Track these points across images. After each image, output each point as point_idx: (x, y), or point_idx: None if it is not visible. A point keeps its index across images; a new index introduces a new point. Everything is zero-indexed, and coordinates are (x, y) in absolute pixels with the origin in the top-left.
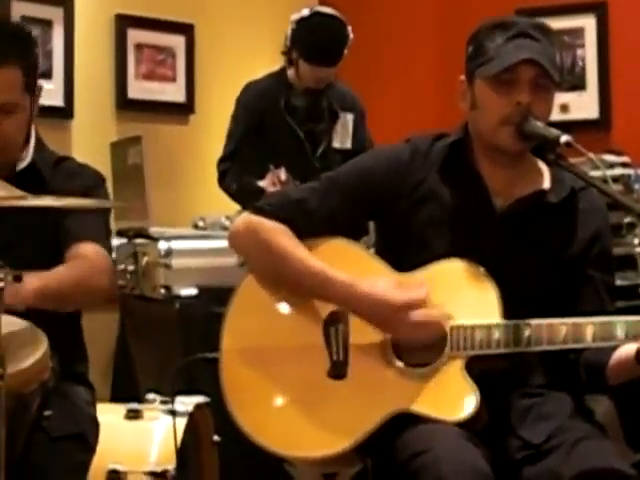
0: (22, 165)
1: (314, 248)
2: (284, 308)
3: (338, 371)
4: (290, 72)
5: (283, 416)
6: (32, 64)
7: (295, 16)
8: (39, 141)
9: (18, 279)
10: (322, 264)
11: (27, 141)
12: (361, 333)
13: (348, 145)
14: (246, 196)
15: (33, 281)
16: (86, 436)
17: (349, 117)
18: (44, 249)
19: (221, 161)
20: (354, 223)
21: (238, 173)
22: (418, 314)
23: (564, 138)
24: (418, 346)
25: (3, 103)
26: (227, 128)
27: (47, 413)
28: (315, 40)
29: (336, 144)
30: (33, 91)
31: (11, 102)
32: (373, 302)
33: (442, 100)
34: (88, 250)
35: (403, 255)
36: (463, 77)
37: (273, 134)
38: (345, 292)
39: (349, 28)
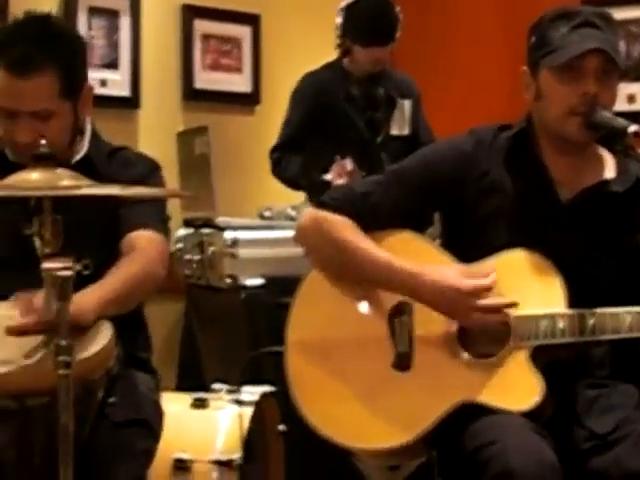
0: (77, 157)
1: (380, 241)
2: (350, 300)
3: (403, 362)
4: (346, 61)
5: (348, 408)
6: (72, 68)
7: (342, 4)
8: (94, 133)
9: (87, 268)
10: (388, 255)
11: (81, 135)
12: (426, 324)
13: (406, 132)
14: (314, 191)
15: (95, 294)
16: (150, 422)
17: (406, 103)
18: (103, 239)
19: (274, 150)
20: (418, 216)
21: (304, 167)
22: (486, 301)
23: (633, 128)
24: (483, 337)
25: (38, 110)
26: (284, 118)
27: (111, 400)
28: (365, 21)
29: (394, 131)
30: (75, 95)
31: (46, 109)
32: (440, 289)
33: (508, 90)
34: (142, 240)
35: (468, 246)
36: (525, 68)
37: (334, 125)
38: (412, 281)
39: (398, 8)
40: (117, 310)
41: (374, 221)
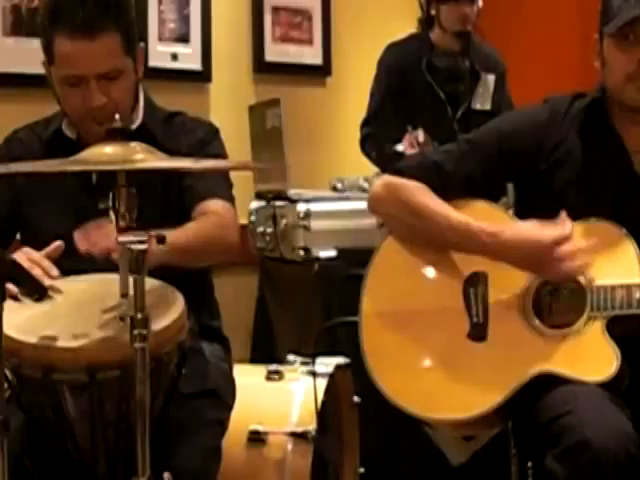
0: (133, 127)
1: (456, 209)
2: (424, 270)
3: (478, 333)
4: (433, 34)
5: (423, 378)
6: (129, 26)
7: None
8: (148, 100)
9: (162, 241)
10: (466, 217)
11: (136, 102)
12: (501, 294)
13: (488, 106)
14: (386, 162)
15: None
16: (220, 392)
17: (490, 78)
18: (170, 209)
19: (363, 125)
20: (492, 185)
21: (377, 137)
22: (567, 248)
23: None
24: (558, 307)
25: (108, 71)
26: (369, 90)
27: (183, 372)
28: None
29: (476, 105)
30: (134, 52)
31: (115, 68)
32: (521, 245)
33: (583, 59)
34: (214, 207)
35: (542, 215)
36: (597, 35)
37: (414, 95)
38: (492, 241)
39: None
40: (186, 261)
41: (447, 190)
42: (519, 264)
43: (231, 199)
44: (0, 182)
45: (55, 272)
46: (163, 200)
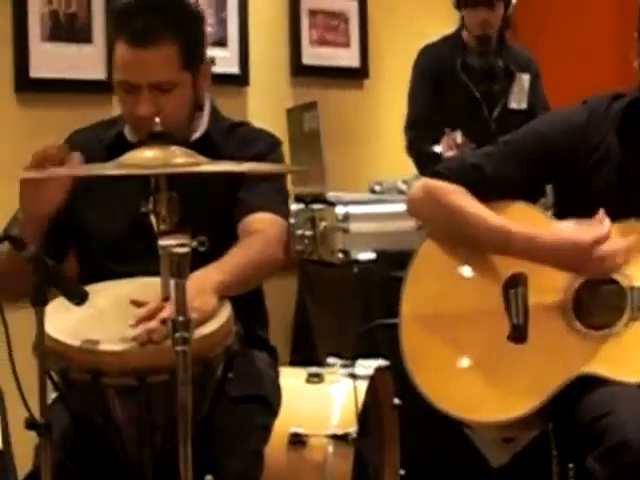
0: (196, 135)
1: (494, 211)
2: (463, 272)
3: (518, 334)
4: (465, 33)
5: (463, 380)
6: (192, 39)
7: None
8: (214, 110)
9: (202, 245)
10: (503, 219)
11: (200, 111)
12: (541, 296)
13: (524, 105)
14: (424, 163)
15: (213, 277)
16: (269, 399)
17: (525, 77)
18: (219, 218)
19: (407, 129)
20: (531, 187)
21: (419, 140)
22: (606, 248)
23: None
24: (598, 308)
25: (159, 82)
26: (408, 94)
27: (229, 376)
28: None
29: (513, 105)
30: (196, 66)
31: (168, 80)
32: (559, 246)
33: (620, 59)
34: (261, 222)
35: (582, 216)
36: (636, 33)
37: (449, 96)
38: (530, 244)
39: None
40: (235, 292)
41: (486, 193)
42: (558, 265)
43: (282, 211)
44: None
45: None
46: (214, 206)
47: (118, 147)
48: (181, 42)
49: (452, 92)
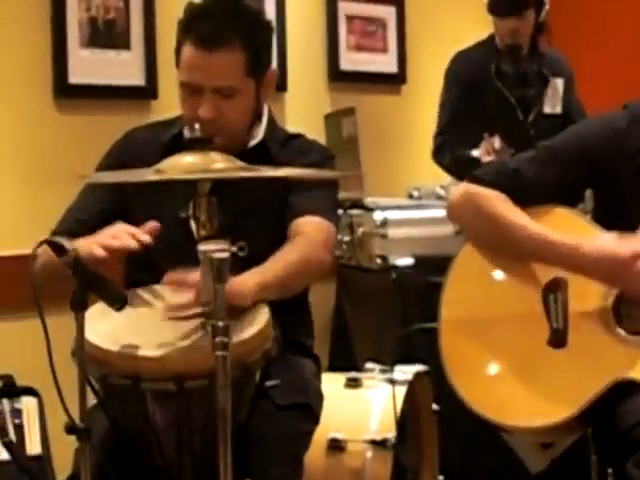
0: (253, 143)
1: (533, 216)
2: (502, 277)
3: (558, 339)
4: (497, 38)
5: (502, 385)
6: (259, 47)
7: None
8: (271, 120)
9: (241, 249)
10: (544, 228)
11: (259, 120)
12: (581, 300)
13: (558, 110)
14: (461, 167)
15: (254, 277)
16: (312, 406)
17: (559, 82)
18: (269, 225)
19: (435, 135)
20: (570, 192)
21: (452, 144)
22: None
23: None
24: (638, 312)
25: (222, 87)
26: (440, 100)
27: (273, 383)
28: None
29: (547, 109)
30: (260, 75)
31: (231, 86)
32: (599, 258)
33: None
34: (309, 225)
35: (622, 222)
36: None
37: (485, 102)
38: (571, 254)
39: None
40: (277, 294)
41: (526, 197)
42: (598, 278)
43: (331, 216)
44: (110, 188)
45: (145, 238)
46: (264, 215)
47: (175, 147)
48: (248, 50)
49: (487, 98)
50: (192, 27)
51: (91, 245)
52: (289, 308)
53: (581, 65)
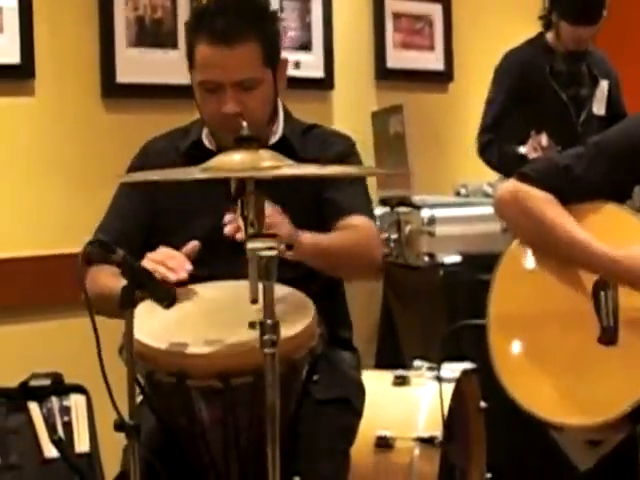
0: (274, 139)
1: (582, 213)
2: (551, 274)
3: (609, 337)
4: (549, 36)
5: (552, 382)
6: (272, 37)
7: None
8: (287, 113)
9: (290, 247)
10: (587, 235)
11: (276, 115)
12: (631, 298)
13: (602, 112)
14: (508, 163)
15: (308, 236)
16: (352, 400)
17: (604, 84)
18: (304, 221)
19: (482, 132)
20: (619, 188)
21: (499, 141)
22: None
23: None
24: None
25: (243, 80)
26: (487, 97)
27: (314, 378)
28: None
29: (595, 110)
30: (275, 64)
31: (251, 78)
32: (636, 272)
33: None
34: (360, 222)
35: None
36: None
37: (536, 100)
38: (611, 267)
39: None
40: (326, 265)
41: (575, 194)
42: (635, 287)
43: (372, 214)
44: (137, 193)
45: (189, 266)
46: (299, 209)
47: (196, 155)
48: (262, 40)
49: (540, 96)
50: (204, 26)
51: None
52: (325, 300)
53: (624, 66)
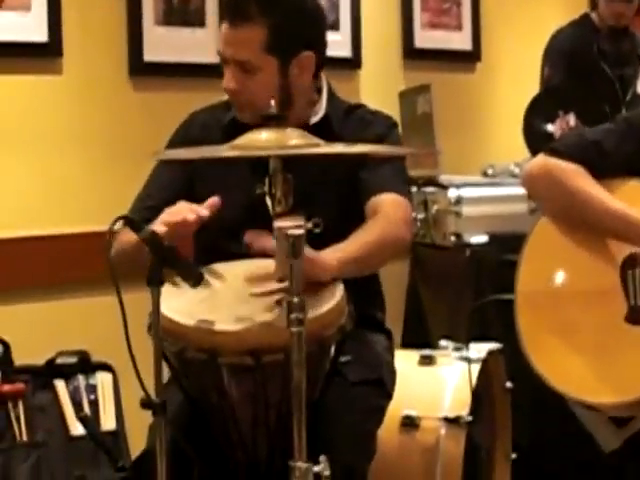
0: (315, 119)
1: (612, 188)
2: (579, 252)
3: (636, 316)
4: (594, 15)
5: (580, 361)
6: (284, 26)
7: None
8: (331, 93)
9: (317, 226)
10: (622, 205)
11: (319, 94)
12: None
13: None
14: (535, 140)
15: (335, 254)
16: (384, 382)
17: None
18: (339, 201)
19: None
20: None
21: (531, 114)
22: None
23: None
24: None
25: (240, 60)
26: (542, 78)
27: (346, 358)
28: None
29: (638, 89)
30: (284, 54)
31: (247, 61)
32: None
33: None
34: (387, 203)
35: None
36: None
37: (585, 79)
38: None
39: None
40: (358, 271)
41: (606, 169)
42: None
43: (406, 192)
44: (175, 166)
45: (204, 212)
46: (332, 188)
47: (233, 129)
48: (271, 27)
49: (588, 76)
50: (225, 4)
51: (154, 225)
52: (360, 282)
53: None
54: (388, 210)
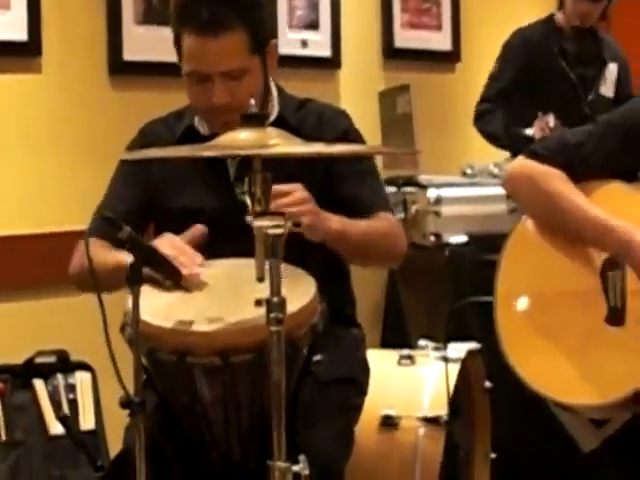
0: (271, 119)
1: (590, 192)
2: (559, 253)
3: (616, 317)
4: (559, 15)
5: (559, 362)
6: (258, 24)
7: None
8: (280, 90)
9: (297, 226)
10: (599, 211)
11: (269, 94)
12: (638, 278)
13: (611, 94)
14: (516, 145)
15: (336, 220)
16: (358, 379)
17: (613, 66)
18: (316, 197)
19: (481, 101)
20: (630, 167)
21: (506, 121)
22: None
23: None
24: None
25: (231, 69)
26: (492, 70)
27: (317, 358)
28: None
29: (602, 91)
30: (262, 50)
31: (239, 68)
32: None
33: None
34: (385, 222)
35: None
36: None
37: (544, 78)
38: (622, 243)
39: None
40: (353, 248)
41: (586, 172)
42: None
43: (392, 210)
44: (137, 171)
45: (199, 259)
46: (308, 186)
47: (189, 140)
48: (248, 28)
49: (547, 76)
50: (188, 16)
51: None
52: (328, 278)
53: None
54: (390, 223)
